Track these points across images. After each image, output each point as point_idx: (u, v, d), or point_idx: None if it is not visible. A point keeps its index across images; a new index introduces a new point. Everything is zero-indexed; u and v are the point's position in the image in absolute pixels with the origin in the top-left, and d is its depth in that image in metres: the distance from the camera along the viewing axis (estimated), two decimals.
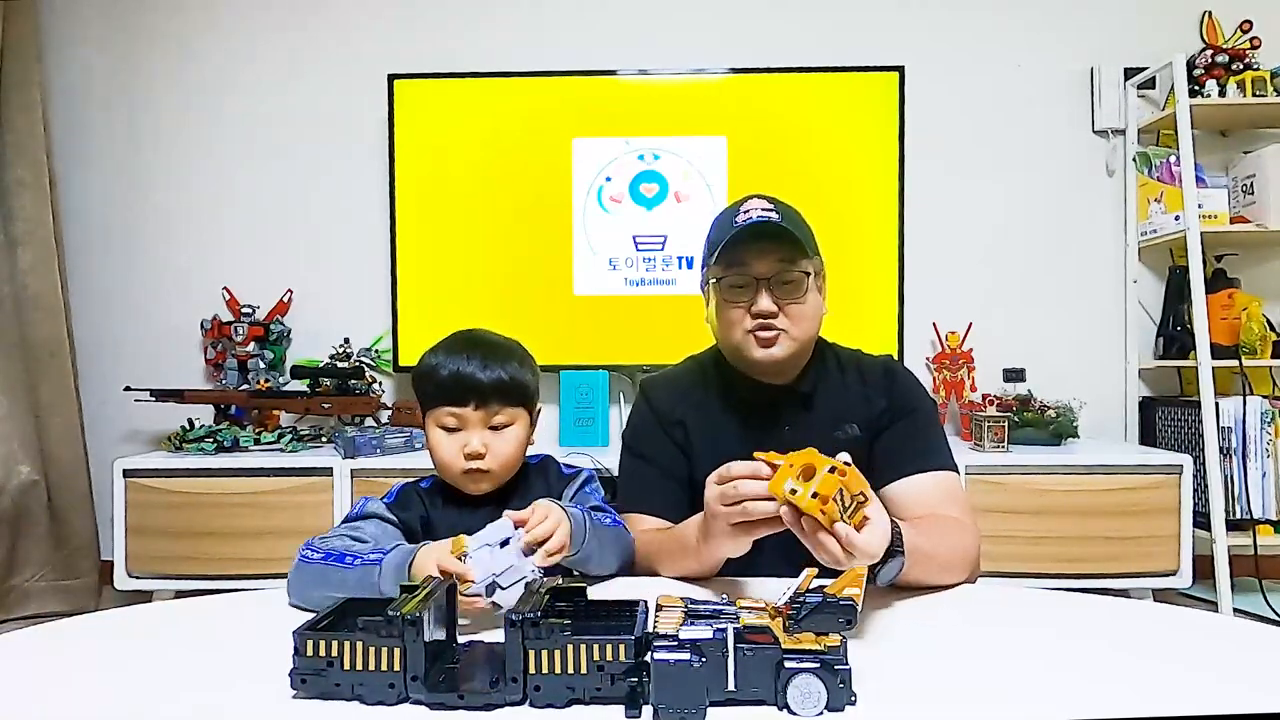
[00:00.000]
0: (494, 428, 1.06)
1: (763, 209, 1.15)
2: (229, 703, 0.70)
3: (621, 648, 0.66)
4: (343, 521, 1.07)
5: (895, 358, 1.38)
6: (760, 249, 1.14)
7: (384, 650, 0.67)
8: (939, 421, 1.26)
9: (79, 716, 0.68)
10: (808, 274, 1.15)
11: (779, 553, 1.03)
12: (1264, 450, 2.45)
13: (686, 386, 1.27)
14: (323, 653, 0.68)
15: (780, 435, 1.18)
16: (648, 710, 0.65)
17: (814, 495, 0.80)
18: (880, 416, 1.20)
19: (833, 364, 1.26)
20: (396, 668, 0.67)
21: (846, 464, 0.84)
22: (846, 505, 0.82)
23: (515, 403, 1.07)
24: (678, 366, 1.33)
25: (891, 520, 0.96)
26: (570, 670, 0.66)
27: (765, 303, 1.14)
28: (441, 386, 1.05)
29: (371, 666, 0.67)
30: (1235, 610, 2.39)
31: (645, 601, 0.75)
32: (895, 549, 0.93)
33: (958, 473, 1.20)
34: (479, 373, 1.05)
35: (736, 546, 0.94)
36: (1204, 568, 2.40)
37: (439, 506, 1.10)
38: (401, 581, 0.87)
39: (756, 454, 0.89)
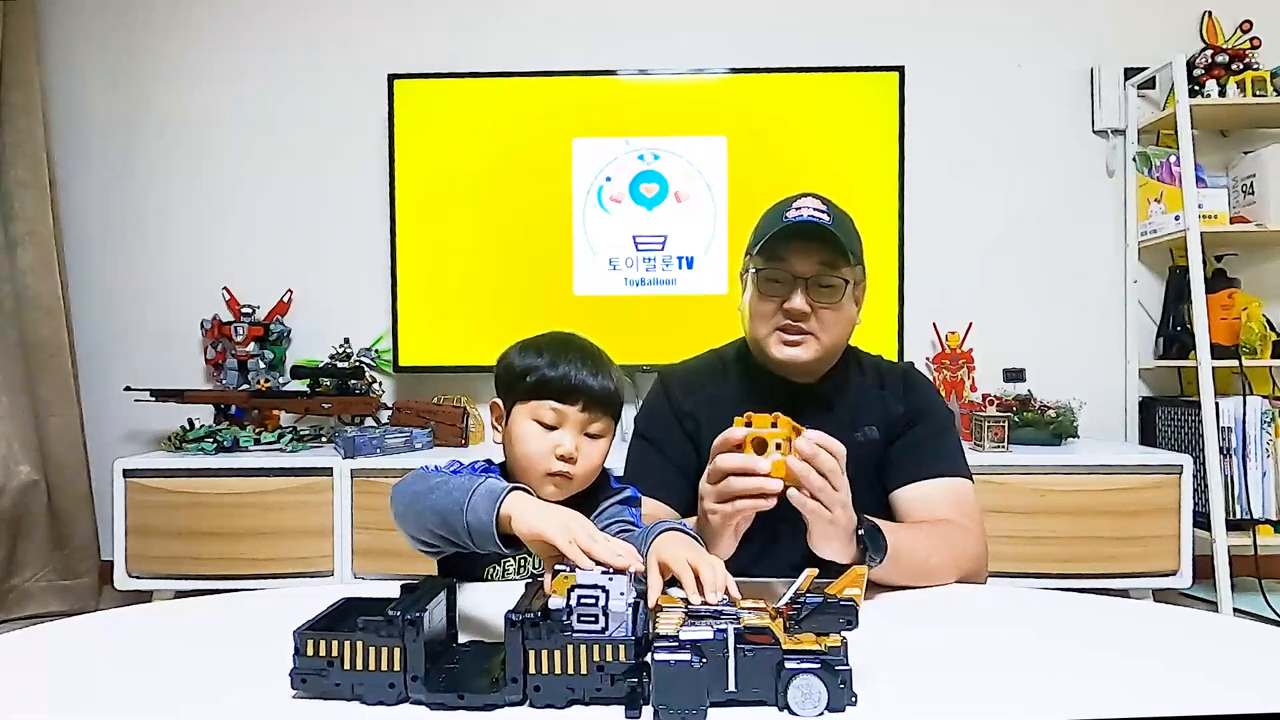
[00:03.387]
0: (588, 435, 1.04)
1: (814, 208, 1.15)
2: (229, 703, 0.70)
3: (622, 648, 0.66)
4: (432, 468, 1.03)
5: (914, 365, 1.39)
6: (805, 248, 1.13)
7: (384, 650, 0.67)
8: (955, 429, 1.26)
9: (79, 716, 0.68)
10: (846, 281, 1.15)
11: (781, 552, 1.04)
12: (1264, 450, 2.45)
13: (704, 379, 1.27)
14: (323, 652, 0.68)
15: None
16: (647, 711, 0.65)
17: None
18: (897, 421, 1.21)
19: (854, 368, 1.27)
20: (396, 667, 0.67)
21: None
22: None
23: (611, 415, 1.06)
24: (697, 358, 1.33)
25: (863, 515, 0.99)
26: (570, 671, 0.66)
27: (799, 301, 1.13)
28: (548, 382, 1.02)
29: (372, 666, 0.67)
30: (1235, 610, 2.39)
31: (645, 602, 0.75)
32: (869, 528, 0.96)
33: (971, 480, 1.19)
34: (590, 378, 1.02)
35: (731, 545, 0.95)
36: (1204, 568, 2.40)
37: None
38: (489, 514, 0.82)
39: (739, 419, 0.93)
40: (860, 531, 0.95)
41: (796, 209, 1.15)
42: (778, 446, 0.91)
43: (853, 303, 1.19)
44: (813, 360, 1.16)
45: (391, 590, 0.76)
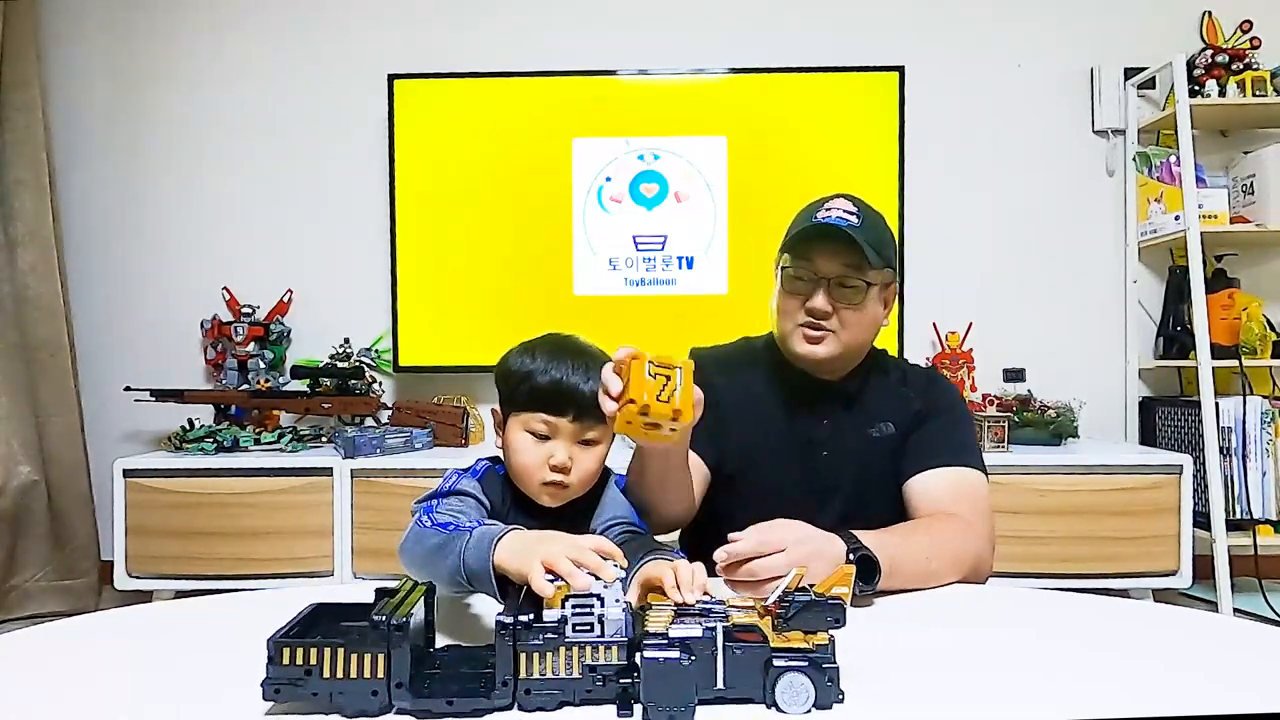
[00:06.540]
0: (583, 442, 1.02)
1: (844, 210, 1.17)
2: (228, 702, 0.69)
3: (614, 649, 0.66)
4: (435, 495, 1.01)
5: (938, 369, 1.42)
6: (830, 249, 1.15)
7: (366, 657, 0.65)
8: (971, 425, 1.29)
9: (78, 717, 0.68)
10: (869, 284, 1.16)
11: None
12: (1264, 450, 2.45)
13: (733, 364, 1.30)
14: (300, 660, 0.64)
15: (817, 427, 1.23)
16: (638, 710, 0.64)
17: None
18: (914, 416, 1.23)
19: (878, 369, 1.29)
20: (380, 675, 0.65)
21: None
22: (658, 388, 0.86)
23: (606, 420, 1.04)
24: (729, 344, 1.37)
25: (848, 533, 0.98)
26: (561, 673, 0.66)
27: (820, 301, 1.15)
28: (539, 392, 1.00)
29: (353, 674, 0.64)
30: (1235, 610, 2.38)
31: (632, 603, 0.75)
32: (861, 552, 0.95)
33: (983, 473, 1.21)
34: (582, 384, 1.00)
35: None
36: (1204, 568, 2.40)
37: (508, 501, 1.06)
38: (484, 559, 0.81)
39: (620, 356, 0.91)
40: (851, 557, 0.95)
41: (827, 210, 1.17)
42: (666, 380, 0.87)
43: (879, 304, 1.21)
44: (832, 358, 1.18)
45: (364, 594, 0.75)
